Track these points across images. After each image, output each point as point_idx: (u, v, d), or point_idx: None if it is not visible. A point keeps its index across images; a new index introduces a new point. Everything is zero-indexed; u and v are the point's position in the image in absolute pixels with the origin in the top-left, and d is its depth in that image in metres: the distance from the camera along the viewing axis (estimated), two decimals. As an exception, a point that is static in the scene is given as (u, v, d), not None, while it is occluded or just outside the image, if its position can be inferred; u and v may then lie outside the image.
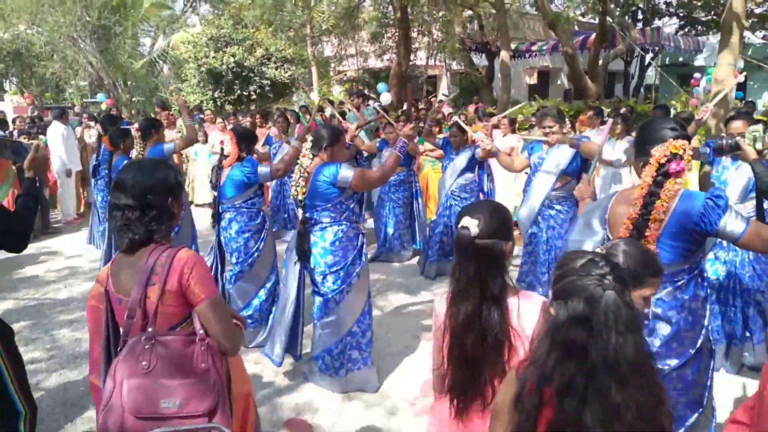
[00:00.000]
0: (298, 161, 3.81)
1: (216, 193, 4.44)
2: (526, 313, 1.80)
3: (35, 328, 4.85)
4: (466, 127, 5.68)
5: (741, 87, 14.52)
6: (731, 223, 2.13)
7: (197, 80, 14.80)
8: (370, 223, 7.60)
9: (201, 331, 1.94)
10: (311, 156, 3.70)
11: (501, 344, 1.79)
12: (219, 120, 9.97)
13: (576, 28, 17.37)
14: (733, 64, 6.85)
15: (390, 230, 6.72)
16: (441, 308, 1.93)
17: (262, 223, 4.38)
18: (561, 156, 4.43)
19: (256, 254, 4.32)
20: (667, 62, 19.93)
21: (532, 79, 20.82)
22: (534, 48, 16.33)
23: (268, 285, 4.43)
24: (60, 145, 8.30)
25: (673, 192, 2.20)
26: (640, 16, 20.10)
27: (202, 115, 11.53)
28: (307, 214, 3.70)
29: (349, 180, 3.51)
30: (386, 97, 11.87)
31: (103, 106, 14.01)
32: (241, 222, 4.29)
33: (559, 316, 1.35)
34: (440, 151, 6.25)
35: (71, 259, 6.93)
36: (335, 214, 3.63)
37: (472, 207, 1.90)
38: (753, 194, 3.68)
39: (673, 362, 2.26)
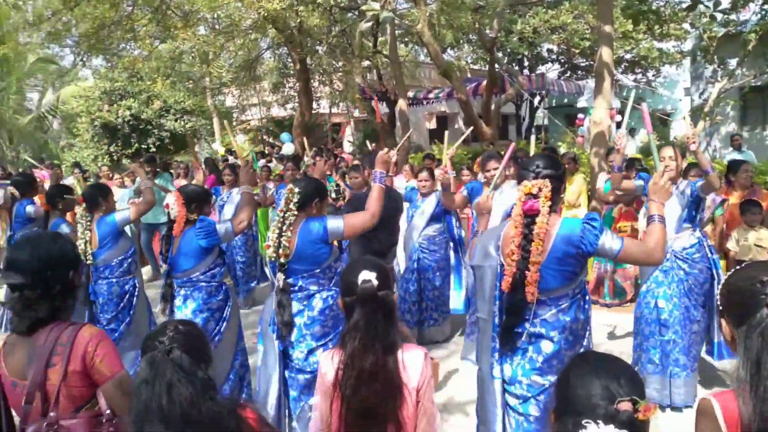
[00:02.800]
0: (276, 218, 3.22)
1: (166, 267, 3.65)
2: (411, 364, 1.91)
3: None
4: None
5: (620, 125, 15.83)
6: (608, 242, 2.35)
7: (91, 135, 14.22)
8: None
9: (108, 411, 1.87)
10: (295, 212, 3.15)
11: (398, 392, 1.87)
12: (117, 176, 9.60)
13: (469, 75, 18.33)
14: (608, 106, 7.50)
15: None
16: (328, 368, 1.97)
17: (225, 300, 3.65)
18: (508, 197, 4.40)
19: (216, 338, 3.56)
20: (553, 104, 21.46)
21: (431, 124, 21.64)
22: (431, 95, 17.02)
23: (232, 375, 3.64)
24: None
25: (543, 234, 2.37)
26: (526, 63, 21.56)
27: (93, 170, 11.00)
28: (290, 280, 3.13)
29: (341, 229, 3.11)
30: (289, 147, 11.95)
31: (-14, 166, 13.11)
32: (199, 299, 3.55)
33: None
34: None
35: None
36: (324, 281, 3.17)
37: (364, 262, 2.01)
38: (687, 224, 4.05)
39: (554, 378, 2.41)
